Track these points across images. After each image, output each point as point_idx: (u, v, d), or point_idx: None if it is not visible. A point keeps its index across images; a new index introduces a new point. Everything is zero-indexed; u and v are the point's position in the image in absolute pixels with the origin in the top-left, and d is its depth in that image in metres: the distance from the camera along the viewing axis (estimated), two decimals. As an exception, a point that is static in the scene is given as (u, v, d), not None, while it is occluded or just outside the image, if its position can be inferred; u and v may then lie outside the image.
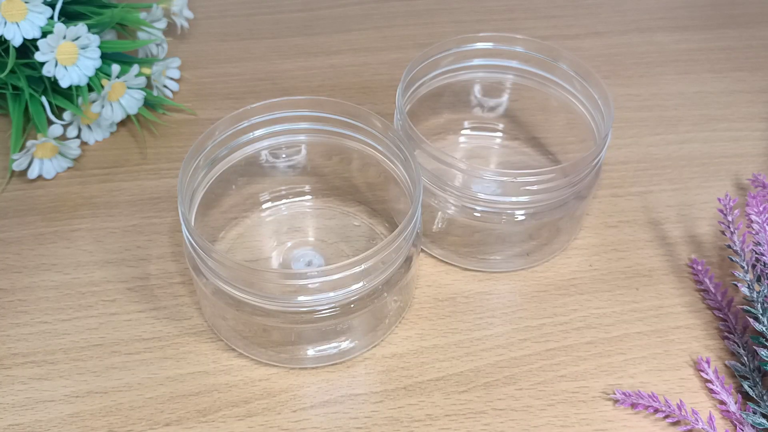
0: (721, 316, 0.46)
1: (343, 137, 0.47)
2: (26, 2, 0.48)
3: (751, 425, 0.41)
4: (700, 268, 0.48)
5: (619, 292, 0.48)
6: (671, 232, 0.51)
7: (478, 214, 0.46)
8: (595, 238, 0.51)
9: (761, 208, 0.46)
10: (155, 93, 0.57)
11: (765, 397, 0.42)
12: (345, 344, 0.44)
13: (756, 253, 0.45)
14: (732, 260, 0.46)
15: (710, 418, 0.42)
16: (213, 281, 0.41)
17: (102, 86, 0.51)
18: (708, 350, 0.45)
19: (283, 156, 0.50)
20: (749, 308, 0.44)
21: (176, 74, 0.59)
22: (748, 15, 0.69)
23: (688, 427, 0.42)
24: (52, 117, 0.51)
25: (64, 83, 0.49)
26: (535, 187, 0.44)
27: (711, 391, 0.43)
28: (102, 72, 0.52)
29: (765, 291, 0.44)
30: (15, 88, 0.52)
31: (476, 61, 0.52)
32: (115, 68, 0.51)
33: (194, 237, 0.40)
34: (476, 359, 0.45)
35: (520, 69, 0.52)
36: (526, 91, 0.53)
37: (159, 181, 0.53)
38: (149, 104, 0.56)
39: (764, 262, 0.44)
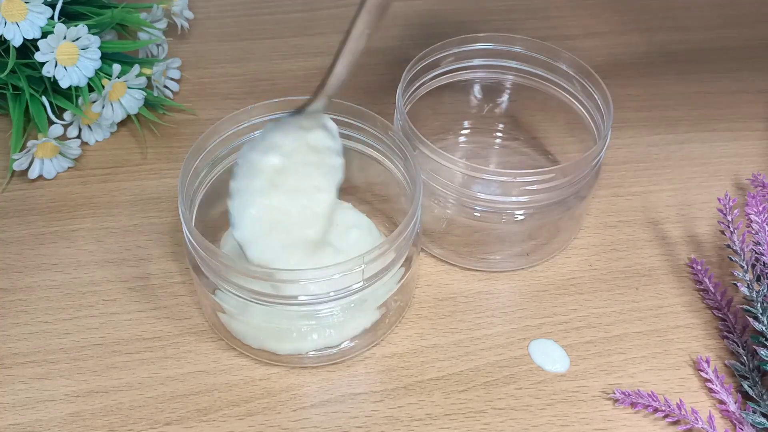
0: (720, 315, 0.46)
1: (343, 137, 0.47)
2: (26, 2, 0.48)
3: (751, 425, 0.41)
4: (699, 267, 0.49)
5: (618, 291, 0.48)
6: (671, 232, 0.51)
7: (478, 214, 0.46)
8: (595, 238, 0.51)
9: (761, 208, 0.46)
10: (156, 93, 0.57)
11: (765, 397, 0.42)
12: (345, 344, 0.44)
13: (755, 252, 0.45)
14: (731, 260, 0.46)
15: (710, 417, 0.42)
16: (213, 281, 0.41)
17: (103, 86, 0.51)
18: (707, 350, 0.45)
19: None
20: (749, 308, 0.44)
21: (177, 74, 0.59)
22: (748, 15, 0.69)
23: (688, 426, 0.42)
24: (52, 117, 0.51)
25: (63, 84, 0.49)
26: (535, 187, 0.44)
27: (711, 390, 0.43)
28: (103, 72, 0.52)
29: (764, 290, 0.44)
30: (15, 88, 0.52)
31: (476, 61, 0.52)
32: (116, 68, 0.51)
33: (194, 237, 0.40)
34: (476, 359, 0.45)
35: (519, 69, 0.52)
36: (526, 91, 0.53)
37: (159, 181, 0.53)
38: (150, 104, 0.56)
39: (764, 262, 0.44)
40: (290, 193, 0.43)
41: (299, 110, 0.42)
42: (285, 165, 0.42)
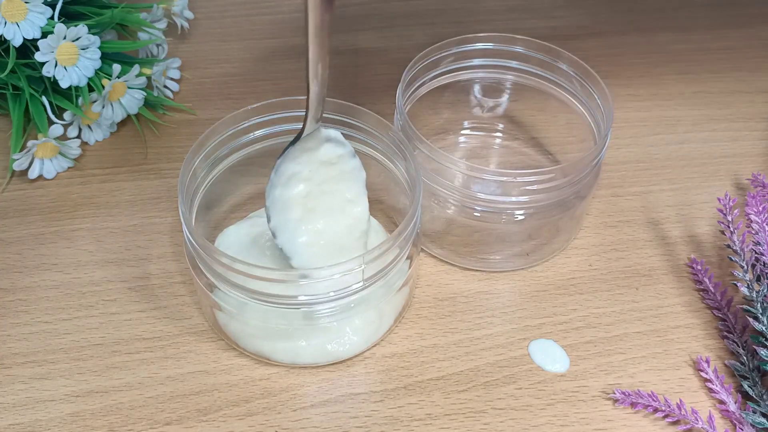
0: (720, 315, 0.46)
1: (344, 137, 0.47)
2: (26, 2, 0.48)
3: (751, 425, 0.41)
4: (699, 267, 0.49)
5: (618, 291, 0.48)
6: (671, 232, 0.51)
7: (478, 214, 0.46)
8: (595, 238, 0.51)
9: (761, 208, 0.46)
10: (156, 93, 0.57)
11: (764, 397, 0.42)
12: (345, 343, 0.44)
13: (755, 252, 0.45)
14: (731, 260, 0.46)
15: (710, 417, 0.42)
16: (212, 280, 0.41)
17: (102, 86, 0.51)
18: (707, 350, 0.45)
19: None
20: (749, 308, 0.44)
21: (176, 74, 0.59)
22: (748, 15, 0.69)
23: (688, 426, 0.42)
24: (52, 117, 0.51)
25: (63, 84, 0.49)
26: (535, 187, 0.44)
27: (710, 390, 0.43)
28: (103, 72, 0.52)
29: (764, 290, 0.44)
30: (15, 88, 0.52)
31: (476, 61, 0.52)
32: (116, 68, 0.51)
33: (194, 237, 0.40)
34: (476, 359, 0.45)
35: (520, 69, 0.52)
36: (526, 91, 0.53)
37: (159, 180, 0.53)
38: (150, 104, 0.56)
39: (764, 262, 0.44)
40: (329, 213, 0.44)
41: (296, 139, 0.42)
42: (311, 189, 0.43)
